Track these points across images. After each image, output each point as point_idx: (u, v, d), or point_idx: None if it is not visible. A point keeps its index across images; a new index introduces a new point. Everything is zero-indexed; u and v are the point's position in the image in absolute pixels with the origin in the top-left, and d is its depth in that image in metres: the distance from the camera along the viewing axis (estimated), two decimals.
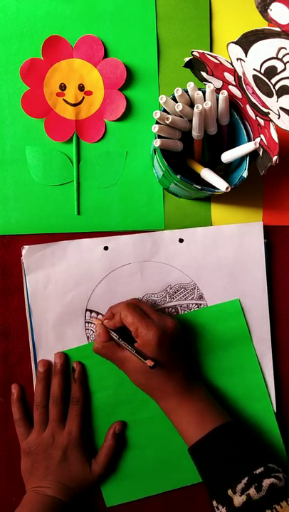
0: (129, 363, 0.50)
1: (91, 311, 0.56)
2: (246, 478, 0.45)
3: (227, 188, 0.47)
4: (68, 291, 0.56)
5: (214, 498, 0.46)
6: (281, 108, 0.42)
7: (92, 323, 0.56)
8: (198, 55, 0.48)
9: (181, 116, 0.48)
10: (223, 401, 0.56)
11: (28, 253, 0.55)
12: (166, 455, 0.56)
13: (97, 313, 0.56)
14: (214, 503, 0.46)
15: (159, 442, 0.56)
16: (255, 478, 0.44)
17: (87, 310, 0.56)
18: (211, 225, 0.58)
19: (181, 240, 0.57)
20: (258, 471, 0.45)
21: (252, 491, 0.44)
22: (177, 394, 0.50)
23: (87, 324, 0.56)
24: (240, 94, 0.48)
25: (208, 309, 0.57)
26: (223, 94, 0.47)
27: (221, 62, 0.46)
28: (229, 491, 0.45)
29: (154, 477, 0.56)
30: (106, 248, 0.57)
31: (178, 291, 0.57)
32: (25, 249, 0.55)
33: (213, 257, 0.57)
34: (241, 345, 0.57)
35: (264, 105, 0.44)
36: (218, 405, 0.52)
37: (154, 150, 0.52)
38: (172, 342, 0.50)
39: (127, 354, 0.50)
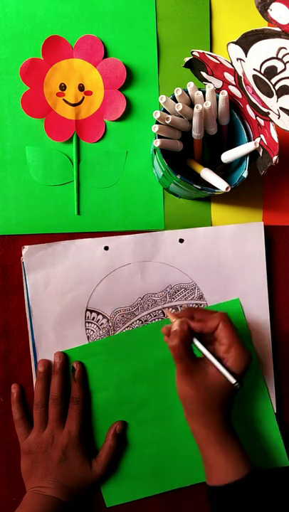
0: (199, 376, 0.46)
1: (91, 311, 0.56)
2: None
3: (227, 188, 0.47)
4: (68, 291, 0.56)
5: None
6: (281, 108, 0.42)
7: (92, 323, 0.56)
8: (198, 55, 0.48)
9: (181, 116, 0.48)
10: None
11: (29, 253, 0.55)
12: (166, 455, 0.56)
13: (98, 313, 0.56)
14: None
15: (159, 442, 0.56)
16: None
17: (87, 310, 0.56)
18: (211, 225, 0.58)
19: (181, 240, 0.57)
20: None
21: None
22: (222, 428, 0.46)
23: (87, 324, 0.56)
24: (240, 94, 0.48)
25: (209, 308, 0.57)
26: (223, 94, 0.47)
27: (221, 62, 0.46)
28: None
29: (154, 477, 0.56)
30: (106, 248, 0.57)
31: (178, 291, 0.57)
32: (26, 249, 0.55)
33: (214, 257, 0.57)
34: None
35: (264, 105, 0.44)
36: (246, 453, 0.48)
37: (154, 150, 0.52)
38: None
39: (202, 365, 0.46)
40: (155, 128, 0.47)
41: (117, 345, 0.56)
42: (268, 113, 0.44)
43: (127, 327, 0.56)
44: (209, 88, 0.47)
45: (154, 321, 0.57)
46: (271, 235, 0.59)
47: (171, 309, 0.54)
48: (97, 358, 0.56)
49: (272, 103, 0.43)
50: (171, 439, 0.56)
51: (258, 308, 0.58)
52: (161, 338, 0.56)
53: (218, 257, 0.57)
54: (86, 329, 0.56)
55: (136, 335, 0.56)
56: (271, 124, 0.45)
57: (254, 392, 0.57)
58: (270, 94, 0.42)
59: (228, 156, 0.50)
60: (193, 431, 0.48)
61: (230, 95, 0.49)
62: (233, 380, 0.44)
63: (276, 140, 0.44)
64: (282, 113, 0.42)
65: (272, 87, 0.41)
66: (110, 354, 0.56)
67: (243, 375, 0.46)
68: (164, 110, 0.48)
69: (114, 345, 0.56)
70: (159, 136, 0.48)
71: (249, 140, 0.51)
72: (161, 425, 0.56)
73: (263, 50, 0.39)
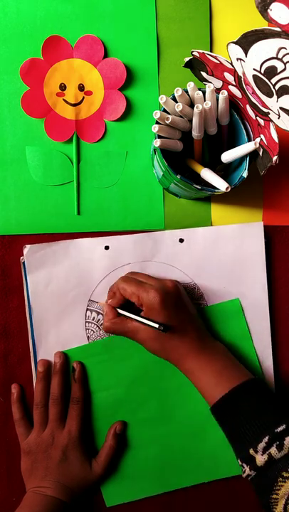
0: (141, 333, 0.50)
1: (91, 311, 0.56)
2: (267, 437, 0.44)
3: (227, 188, 0.47)
4: (69, 291, 0.56)
5: (238, 457, 0.46)
6: (281, 108, 0.42)
7: (92, 323, 0.56)
8: (198, 55, 0.48)
9: (181, 116, 0.48)
10: None
11: (30, 252, 0.55)
12: (166, 455, 0.56)
13: (98, 313, 0.56)
14: (239, 462, 0.46)
15: (159, 442, 0.56)
16: (277, 436, 0.44)
17: (87, 310, 0.56)
18: (211, 225, 0.58)
19: (181, 240, 0.57)
20: (280, 429, 0.44)
21: (273, 449, 0.43)
22: (193, 353, 0.50)
23: (87, 324, 0.56)
24: (240, 94, 0.48)
25: (208, 309, 0.57)
26: (223, 94, 0.47)
27: (221, 62, 0.46)
28: (251, 451, 0.44)
29: (154, 477, 0.56)
30: (107, 248, 0.57)
31: None
32: (27, 249, 0.55)
33: (214, 257, 0.57)
34: (241, 345, 0.57)
35: (264, 105, 0.44)
36: (238, 362, 0.51)
37: (154, 150, 0.52)
38: (176, 301, 0.50)
39: (137, 324, 0.50)
40: (155, 128, 0.47)
41: (117, 346, 0.56)
42: (268, 113, 0.44)
43: None
44: (209, 88, 0.47)
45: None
46: (271, 235, 0.59)
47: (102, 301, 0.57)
48: (97, 358, 0.56)
49: (272, 103, 0.43)
50: (171, 439, 0.56)
51: (258, 308, 0.58)
52: None
53: (218, 257, 0.57)
54: (86, 329, 0.56)
55: None
56: (271, 124, 0.45)
57: None
58: (270, 94, 0.42)
59: (228, 156, 0.50)
60: (179, 368, 0.51)
61: (230, 95, 0.49)
62: (155, 326, 0.48)
63: (276, 140, 0.44)
64: (282, 113, 0.42)
65: (272, 87, 0.41)
66: (110, 354, 0.56)
67: (163, 314, 0.48)
68: (164, 110, 0.48)
69: (114, 346, 0.56)
70: (159, 136, 0.48)
71: (249, 140, 0.51)
72: (161, 425, 0.56)
73: (263, 50, 0.39)
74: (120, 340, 0.56)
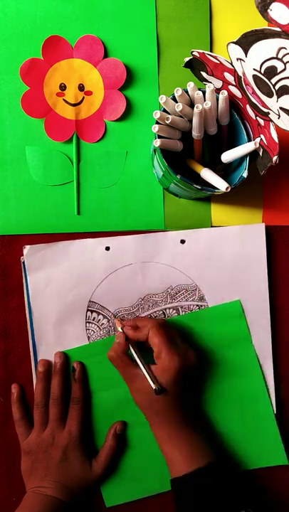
0: (137, 382, 0.50)
1: (92, 311, 0.56)
2: None
3: (227, 188, 0.47)
4: (69, 291, 0.56)
5: None
6: (281, 108, 0.42)
7: (92, 323, 0.56)
8: (198, 55, 0.48)
9: (181, 116, 0.48)
10: (223, 402, 0.56)
11: (30, 253, 0.55)
12: None
13: (98, 314, 0.56)
14: None
15: None
16: None
17: (88, 310, 0.56)
18: (211, 225, 0.58)
19: (182, 241, 0.57)
20: None
21: None
22: (174, 425, 0.50)
23: (87, 324, 0.56)
24: (240, 94, 0.48)
25: (209, 310, 0.57)
26: (223, 94, 0.47)
27: (221, 62, 0.46)
28: None
29: (154, 477, 0.56)
30: (107, 248, 0.57)
31: (179, 292, 0.57)
32: (27, 249, 0.55)
33: (215, 259, 0.57)
34: (242, 347, 0.57)
35: (264, 105, 0.44)
36: (208, 443, 0.51)
37: (154, 150, 0.52)
38: (189, 376, 0.50)
39: (138, 372, 0.49)
40: (155, 128, 0.47)
41: None
42: (268, 113, 0.44)
43: None
44: (209, 88, 0.47)
45: None
46: (271, 235, 0.59)
47: (119, 318, 0.56)
48: (97, 358, 0.55)
49: (272, 103, 0.43)
50: None
51: (258, 310, 0.57)
52: None
53: (219, 258, 0.57)
54: (86, 329, 0.56)
55: None
56: (271, 124, 0.45)
57: (254, 394, 0.57)
58: (270, 94, 0.42)
59: (228, 156, 0.50)
60: (152, 429, 0.51)
61: (230, 95, 0.49)
62: (153, 386, 0.47)
63: (276, 140, 0.44)
64: (282, 113, 0.42)
65: (272, 87, 0.41)
66: None
67: (172, 381, 0.48)
68: (164, 110, 0.48)
69: None
70: (159, 136, 0.48)
71: (249, 140, 0.51)
72: None
73: (263, 50, 0.39)
74: None
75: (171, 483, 0.50)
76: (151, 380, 0.48)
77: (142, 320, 0.52)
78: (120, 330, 0.52)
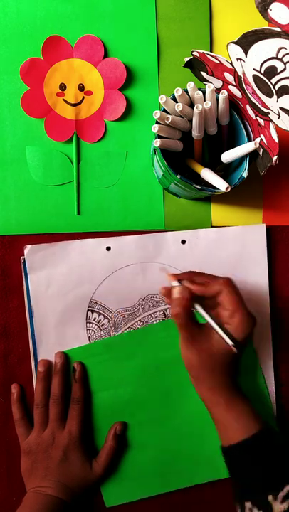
0: (202, 342, 0.46)
1: (92, 312, 0.56)
2: None
3: (227, 188, 0.47)
4: (70, 291, 0.56)
5: (249, 499, 0.45)
6: (281, 108, 0.42)
7: (93, 323, 0.56)
8: (198, 55, 0.48)
9: (181, 116, 0.48)
10: None
11: (31, 252, 0.55)
12: (166, 456, 0.56)
13: (99, 314, 0.56)
14: (248, 504, 0.45)
15: (159, 443, 0.56)
16: None
17: (88, 310, 0.56)
18: (211, 225, 0.58)
19: (183, 242, 0.57)
20: None
21: None
22: (232, 389, 0.48)
23: (88, 324, 0.56)
24: (240, 94, 0.48)
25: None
26: (223, 94, 0.47)
27: (221, 62, 0.46)
28: (270, 497, 0.44)
29: (154, 478, 0.56)
30: (108, 248, 0.57)
31: None
32: (28, 249, 0.55)
33: (215, 259, 0.57)
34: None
35: (264, 105, 0.44)
36: (256, 411, 0.49)
37: (154, 150, 0.52)
38: (250, 338, 0.48)
39: (205, 331, 0.46)
40: (155, 128, 0.47)
41: (118, 346, 0.56)
42: (268, 113, 0.44)
43: (128, 328, 0.56)
44: (209, 88, 0.47)
45: (155, 322, 0.56)
46: (271, 235, 0.59)
47: (168, 270, 0.51)
48: (97, 359, 0.56)
49: (272, 103, 0.43)
50: (171, 439, 0.56)
51: (259, 310, 0.57)
52: (162, 339, 0.56)
53: (220, 258, 0.57)
54: (87, 330, 0.56)
55: (137, 336, 0.56)
56: (271, 124, 0.45)
57: (254, 393, 0.57)
58: (270, 94, 0.42)
59: (228, 156, 0.50)
60: (201, 395, 0.48)
61: (230, 95, 0.49)
62: (231, 343, 0.44)
63: (276, 140, 0.44)
64: (282, 113, 0.42)
65: (272, 87, 0.41)
66: (111, 354, 0.56)
67: (246, 340, 0.46)
68: (164, 110, 0.48)
69: (115, 346, 0.56)
70: (159, 136, 0.48)
71: (249, 140, 0.51)
72: (162, 426, 0.56)
73: (263, 50, 0.39)
74: (121, 341, 0.56)
75: (225, 450, 0.48)
76: (228, 336, 0.45)
77: (204, 275, 0.48)
78: (176, 284, 0.47)
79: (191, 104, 0.49)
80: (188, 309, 0.46)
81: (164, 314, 0.57)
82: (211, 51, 0.54)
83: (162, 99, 0.46)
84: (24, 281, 0.56)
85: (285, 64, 0.38)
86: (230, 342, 0.45)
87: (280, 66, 0.39)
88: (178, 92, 0.46)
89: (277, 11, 0.36)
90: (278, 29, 0.37)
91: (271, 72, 0.40)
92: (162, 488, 0.56)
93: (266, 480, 0.45)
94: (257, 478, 0.45)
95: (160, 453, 0.56)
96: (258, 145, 0.47)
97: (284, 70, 0.39)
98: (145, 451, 0.56)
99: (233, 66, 0.45)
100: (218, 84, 0.50)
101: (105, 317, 0.56)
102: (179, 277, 0.48)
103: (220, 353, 0.46)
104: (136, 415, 0.56)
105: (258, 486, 0.45)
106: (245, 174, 0.49)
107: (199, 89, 0.47)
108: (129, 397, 0.56)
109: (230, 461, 0.48)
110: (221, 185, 0.47)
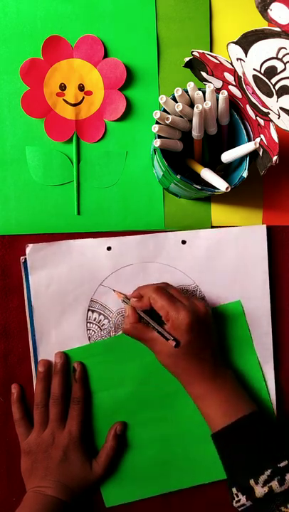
0: (158, 345, 0.50)
1: (93, 312, 0.56)
2: (270, 471, 0.45)
3: (227, 188, 0.47)
4: (70, 291, 0.56)
5: (234, 485, 0.46)
6: (281, 108, 0.42)
7: (93, 323, 0.56)
8: (198, 55, 0.48)
9: (181, 116, 0.48)
10: None
11: (32, 251, 0.55)
12: (166, 456, 0.56)
13: (99, 314, 0.56)
14: (234, 490, 0.46)
15: (159, 443, 0.56)
16: (279, 471, 0.45)
17: (88, 310, 0.56)
18: (211, 225, 0.58)
19: (183, 242, 0.57)
20: (282, 464, 0.45)
21: (274, 483, 0.44)
22: (205, 380, 0.50)
23: (88, 324, 0.56)
24: (240, 94, 0.48)
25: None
26: (223, 94, 0.47)
27: (221, 62, 0.46)
28: (251, 481, 0.45)
29: (154, 478, 0.56)
30: (109, 248, 0.57)
31: None
32: (30, 248, 0.55)
33: (216, 259, 0.57)
34: (242, 347, 0.57)
35: (264, 105, 0.44)
36: (246, 393, 0.51)
37: (154, 150, 0.52)
38: (203, 326, 0.50)
39: (156, 335, 0.49)
40: (155, 128, 0.47)
41: (118, 346, 0.56)
42: (268, 113, 0.44)
43: None
44: (209, 88, 0.47)
45: None
46: (271, 235, 0.59)
47: (117, 291, 0.56)
48: (97, 359, 0.56)
49: (272, 103, 0.43)
50: (171, 439, 0.56)
51: (259, 311, 0.57)
52: None
53: (221, 259, 0.57)
54: (87, 330, 0.56)
55: None
56: (271, 124, 0.45)
57: (255, 394, 0.57)
58: (270, 94, 0.42)
59: (228, 156, 0.50)
60: (186, 389, 0.51)
61: (230, 95, 0.49)
62: (169, 338, 0.48)
63: (276, 140, 0.44)
64: (282, 113, 0.42)
65: (272, 87, 0.41)
66: (111, 355, 0.56)
67: (186, 335, 0.48)
68: (164, 110, 0.48)
69: (116, 346, 0.56)
70: (159, 136, 0.48)
71: (249, 140, 0.51)
72: (162, 426, 0.56)
73: (263, 50, 0.39)
74: (121, 341, 0.56)
75: (213, 439, 0.49)
76: (165, 335, 0.48)
77: (142, 288, 0.52)
78: (124, 304, 0.53)
79: (191, 104, 0.49)
80: (135, 323, 0.51)
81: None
82: (211, 51, 0.54)
83: (162, 99, 0.46)
84: (24, 281, 0.56)
85: (285, 64, 0.38)
86: (170, 337, 0.48)
87: (280, 66, 0.39)
88: (178, 92, 0.46)
89: (277, 11, 0.36)
90: (278, 29, 0.37)
91: (271, 72, 0.40)
92: (162, 489, 0.56)
93: (248, 465, 0.46)
94: (240, 463, 0.47)
95: (160, 453, 0.56)
96: (258, 145, 0.47)
97: (284, 70, 0.39)
98: (145, 451, 0.56)
99: (233, 66, 0.45)
100: (218, 84, 0.50)
101: (106, 317, 0.56)
102: (129, 295, 0.53)
103: (171, 349, 0.49)
104: (136, 415, 0.56)
105: (241, 471, 0.46)
106: (245, 174, 0.49)
107: (199, 89, 0.47)
108: (129, 397, 0.56)
109: (217, 447, 0.49)
110: (221, 185, 0.47)
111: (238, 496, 0.46)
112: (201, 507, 0.56)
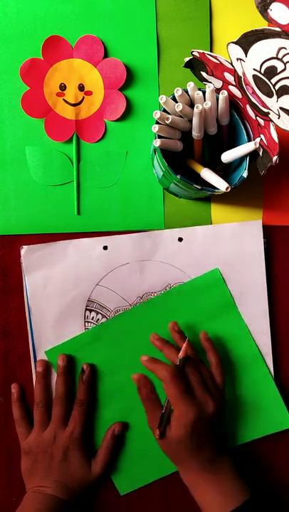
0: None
1: (90, 311, 0.56)
2: None
3: (227, 188, 0.47)
4: (68, 291, 0.56)
5: None
6: (281, 108, 0.42)
7: (91, 322, 0.56)
8: (198, 55, 0.48)
9: (181, 116, 0.48)
10: None
11: (27, 253, 0.55)
12: None
13: (97, 313, 0.56)
14: None
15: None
16: None
17: (86, 309, 0.56)
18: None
19: (180, 239, 0.57)
20: None
21: None
22: (201, 472, 0.49)
23: (86, 324, 0.56)
24: (240, 94, 0.48)
25: (190, 283, 0.57)
26: (223, 94, 0.47)
27: (221, 62, 0.46)
28: None
29: (162, 458, 0.54)
30: (105, 248, 0.57)
31: None
32: (24, 249, 0.55)
33: (213, 256, 0.57)
34: (227, 313, 0.57)
35: (264, 105, 0.44)
36: (239, 478, 0.50)
37: (154, 150, 0.52)
38: (208, 424, 0.49)
39: (158, 415, 0.50)
40: (155, 128, 0.47)
41: (107, 333, 0.56)
42: (268, 113, 0.44)
43: None
44: (209, 88, 0.47)
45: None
46: (271, 234, 0.59)
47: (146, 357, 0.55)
48: (89, 348, 0.55)
49: (272, 103, 0.43)
50: None
51: (257, 307, 0.57)
52: (157, 319, 0.56)
53: (217, 255, 0.57)
54: (85, 328, 0.56)
55: (124, 319, 0.56)
56: (271, 124, 0.45)
57: (247, 357, 0.56)
58: (270, 94, 0.42)
59: (228, 156, 0.50)
60: (182, 477, 0.51)
61: (230, 95, 0.49)
62: (161, 427, 0.49)
63: (276, 140, 0.44)
64: (282, 113, 0.42)
65: (272, 87, 0.41)
66: (102, 342, 0.55)
67: (186, 434, 0.48)
68: (164, 110, 0.48)
69: (104, 333, 0.56)
70: (159, 136, 0.48)
71: (249, 140, 0.51)
72: None
73: (263, 50, 0.39)
74: (109, 327, 0.56)
75: None
76: (162, 421, 0.49)
77: (162, 366, 0.50)
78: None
79: (191, 104, 0.49)
80: (151, 393, 0.53)
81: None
82: (211, 51, 0.55)
83: (162, 99, 0.46)
84: (24, 281, 0.56)
85: (285, 64, 0.38)
86: (161, 428, 0.49)
87: (280, 66, 0.39)
88: (178, 92, 0.46)
89: (277, 11, 0.36)
90: (278, 29, 0.37)
91: (271, 72, 0.40)
92: (171, 469, 0.55)
93: None
94: None
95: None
96: (258, 145, 0.47)
97: (284, 70, 0.39)
98: (149, 434, 0.55)
99: (233, 66, 0.45)
100: (218, 84, 0.50)
101: (103, 316, 0.57)
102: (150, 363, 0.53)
103: (176, 438, 0.48)
104: (137, 398, 0.55)
105: None
106: (245, 174, 0.49)
107: (199, 89, 0.47)
108: (127, 381, 0.55)
109: None
110: (221, 185, 0.47)
111: None
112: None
